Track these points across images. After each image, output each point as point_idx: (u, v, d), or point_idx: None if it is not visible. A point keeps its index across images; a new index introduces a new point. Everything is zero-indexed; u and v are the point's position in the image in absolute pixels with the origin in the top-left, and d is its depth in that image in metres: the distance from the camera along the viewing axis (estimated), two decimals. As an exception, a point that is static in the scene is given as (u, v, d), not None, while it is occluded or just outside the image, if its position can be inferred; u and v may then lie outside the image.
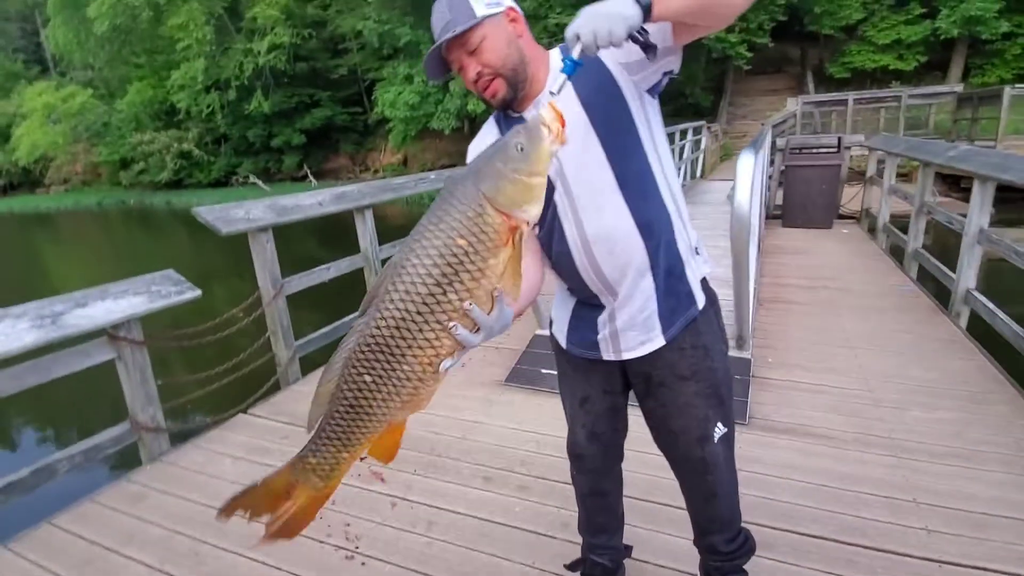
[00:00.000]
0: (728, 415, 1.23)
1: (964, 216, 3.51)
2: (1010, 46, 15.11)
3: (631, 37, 0.87)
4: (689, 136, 9.26)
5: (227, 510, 0.85)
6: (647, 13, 0.85)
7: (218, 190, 24.59)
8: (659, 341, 1.15)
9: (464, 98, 16.91)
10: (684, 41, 1.02)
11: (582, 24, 0.85)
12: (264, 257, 3.00)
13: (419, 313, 0.75)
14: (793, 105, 13.96)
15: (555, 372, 1.40)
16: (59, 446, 4.47)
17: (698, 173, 10.70)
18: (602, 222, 1.07)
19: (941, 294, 3.88)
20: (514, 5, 1.07)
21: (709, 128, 11.92)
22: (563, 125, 0.80)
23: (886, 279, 4.41)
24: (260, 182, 24.16)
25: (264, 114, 22.70)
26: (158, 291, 2.50)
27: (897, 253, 5.06)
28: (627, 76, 1.04)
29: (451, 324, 0.76)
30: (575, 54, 0.87)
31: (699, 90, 17.45)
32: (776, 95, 17.23)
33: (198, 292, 2.56)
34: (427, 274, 0.75)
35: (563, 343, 1.27)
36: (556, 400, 1.47)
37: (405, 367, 0.77)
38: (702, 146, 10.91)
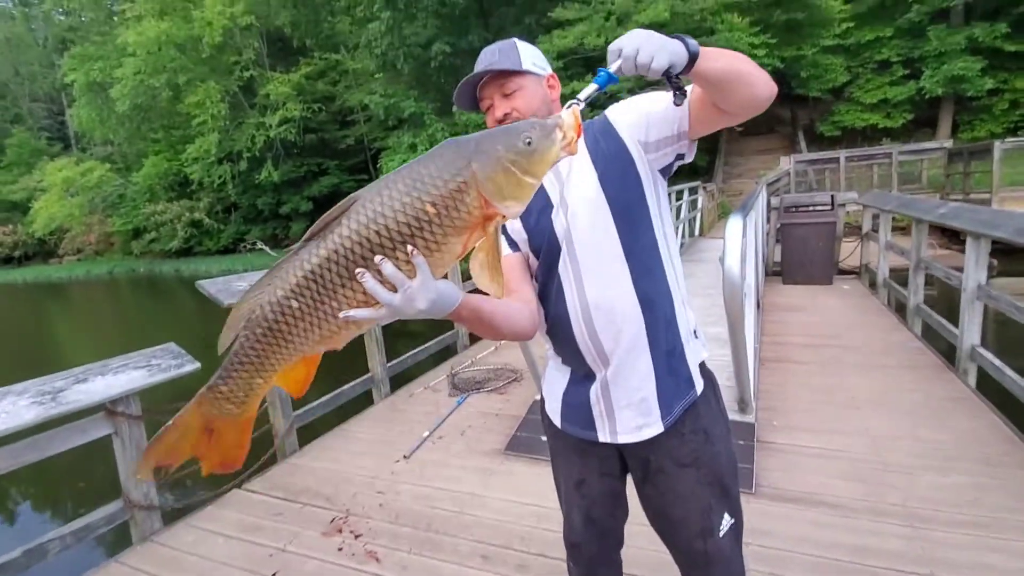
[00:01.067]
0: (735, 505, 1.17)
1: (962, 271, 3.52)
2: (997, 101, 15.61)
3: (667, 75, 0.87)
4: (686, 196, 9.47)
5: (144, 465, 0.82)
6: (692, 62, 0.87)
7: (226, 257, 25.06)
8: (657, 427, 1.12)
9: (466, 164, 17.46)
10: (702, 130, 1.05)
11: (628, 40, 0.85)
12: (265, 328, 3.03)
13: (363, 258, 0.72)
14: (786, 164, 14.32)
15: None
16: (56, 519, 4.37)
17: (696, 232, 10.86)
18: (604, 290, 1.08)
19: (949, 349, 3.83)
20: (554, 74, 1.14)
21: (705, 188, 12.20)
22: (579, 135, 0.78)
23: (889, 335, 4.37)
24: (267, 248, 24.64)
25: (273, 183, 23.45)
26: (158, 365, 2.52)
27: (900, 308, 5.04)
28: (642, 153, 1.08)
29: (359, 271, 0.72)
30: (612, 69, 0.86)
31: (694, 151, 18.00)
32: (769, 154, 17.71)
33: (198, 365, 2.58)
34: (384, 225, 0.72)
35: (557, 422, 1.23)
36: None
37: (333, 304, 0.75)
38: (699, 205, 11.13)
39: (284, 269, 0.76)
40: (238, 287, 2.98)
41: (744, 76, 0.92)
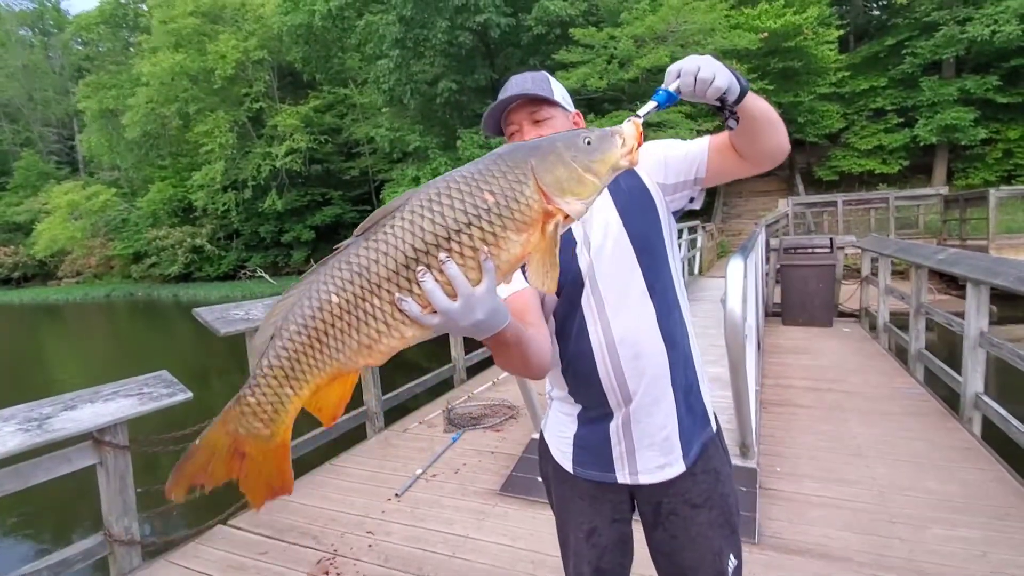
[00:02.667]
0: (739, 545, 1.16)
1: (963, 316, 3.50)
2: (991, 150, 15.93)
3: (721, 100, 0.90)
4: (685, 235, 9.54)
5: (175, 486, 0.76)
6: (742, 95, 0.91)
7: (225, 283, 25.08)
8: (679, 467, 1.10)
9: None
10: (715, 180, 1.10)
11: (686, 61, 0.87)
12: (260, 357, 2.99)
13: (414, 248, 0.68)
14: (785, 206, 14.49)
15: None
16: (32, 551, 4.22)
17: (696, 270, 10.90)
18: (630, 324, 1.06)
19: (950, 395, 3.78)
20: (579, 112, 1.17)
21: (704, 227, 12.31)
22: (639, 145, 0.77)
23: (891, 381, 4.32)
24: (267, 276, 24.68)
25: (277, 211, 23.68)
26: (149, 393, 2.47)
27: (901, 353, 5.00)
28: (661, 195, 1.11)
29: (420, 269, 0.68)
30: (671, 88, 0.88)
31: (703, 197, 18.26)
32: (768, 196, 17.95)
33: (189, 395, 2.53)
34: (440, 212, 0.68)
35: (569, 467, 1.18)
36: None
37: (376, 301, 0.69)
38: (698, 244, 11.20)
39: (329, 264, 0.72)
40: (235, 315, 2.96)
41: (777, 123, 0.98)
